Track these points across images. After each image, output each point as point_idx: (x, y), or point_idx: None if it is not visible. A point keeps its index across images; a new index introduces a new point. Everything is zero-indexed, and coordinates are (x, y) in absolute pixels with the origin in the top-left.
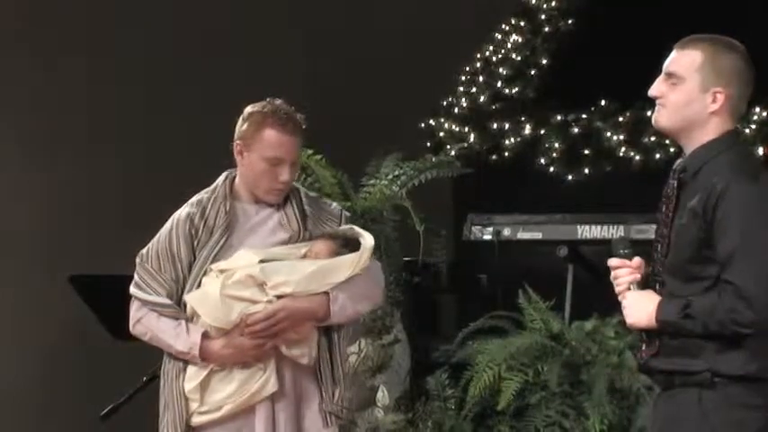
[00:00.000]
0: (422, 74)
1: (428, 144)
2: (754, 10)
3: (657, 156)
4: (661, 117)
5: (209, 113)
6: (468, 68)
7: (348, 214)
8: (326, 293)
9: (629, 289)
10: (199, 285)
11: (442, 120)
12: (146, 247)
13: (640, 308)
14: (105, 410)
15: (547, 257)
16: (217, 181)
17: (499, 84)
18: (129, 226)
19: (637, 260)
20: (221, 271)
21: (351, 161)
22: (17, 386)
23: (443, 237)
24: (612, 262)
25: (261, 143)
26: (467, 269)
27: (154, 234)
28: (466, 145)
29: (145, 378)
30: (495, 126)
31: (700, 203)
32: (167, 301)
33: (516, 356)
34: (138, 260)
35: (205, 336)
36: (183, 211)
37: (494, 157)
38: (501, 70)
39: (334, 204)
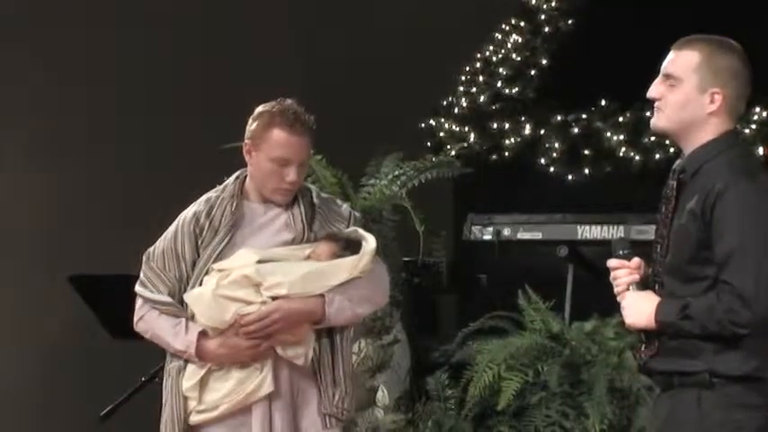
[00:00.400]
0: (422, 74)
1: (428, 144)
2: (754, 10)
3: (657, 156)
4: (659, 120)
5: (209, 113)
6: (468, 68)
7: (358, 215)
8: (322, 296)
9: (629, 289)
10: (201, 284)
11: (443, 120)
12: (153, 246)
13: (639, 308)
14: (105, 410)
15: (547, 257)
16: (228, 180)
17: (499, 84)
18: (129, 226)
19: (636, 261)
20: (220, 270)
21: (351, 161)
22: (17, 386)
23: (443, 237)
24: (611, 263)
25: (268, 143)
26: (467, 269)
27: (154, 234)
28: (466, 145)
29: (144, 378)
30: (495, 126)
31: (698, 204)
32: (168, 299)
33: (516, 356)
34: (144, 258)
35: (202, 335)
36: (190, 209)
37: (494, 157)
38: (501, 70)
39: (345, 206)
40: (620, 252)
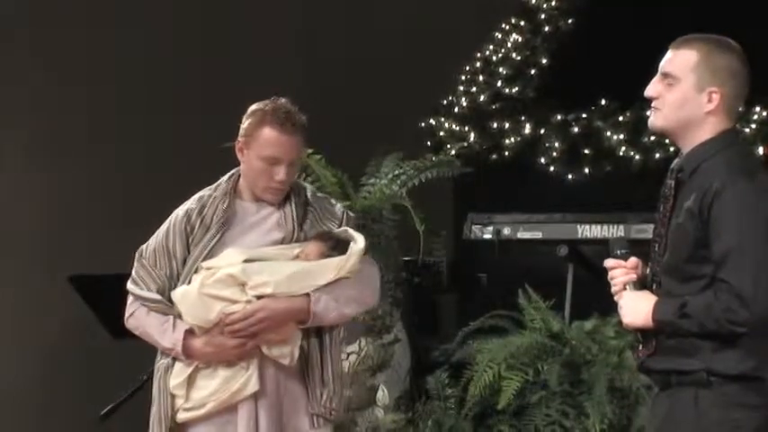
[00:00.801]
0: (422, 74)
1: (428, 143)
2: (754, 10)
3: (657, 155)
4: (657, 119)
5: (210, 113)
6: (468, 68)
7: (351, 215)
8: (308, 295)
9: (626, 289)
10: (190, 282)
11: (443, 119)
12: (146, 243)
13: (637, 308)
14: (105, 410)
15: (547, 257)
16: (222, 178)
17: (499, 83)
18: (129, 226)
19: (633, 260)
20: (208, 269)
21: (351, 161)
22: (17, 386)
23: (443, 236)
24: (608, 263)
25: (258, 141)
26: (467, 269)
27: (153, 234)
28: (466, 144)
29: (144, 377)
30: (495, 125)
31: (696, 203)
32: (157, 297)
33: (516, 356)
34: (137, 255)
35: (189, 333)
36: (183, 207)
37: (494, 156)
38: (501, 70)
39: (339, 205)
40: (618, 252)
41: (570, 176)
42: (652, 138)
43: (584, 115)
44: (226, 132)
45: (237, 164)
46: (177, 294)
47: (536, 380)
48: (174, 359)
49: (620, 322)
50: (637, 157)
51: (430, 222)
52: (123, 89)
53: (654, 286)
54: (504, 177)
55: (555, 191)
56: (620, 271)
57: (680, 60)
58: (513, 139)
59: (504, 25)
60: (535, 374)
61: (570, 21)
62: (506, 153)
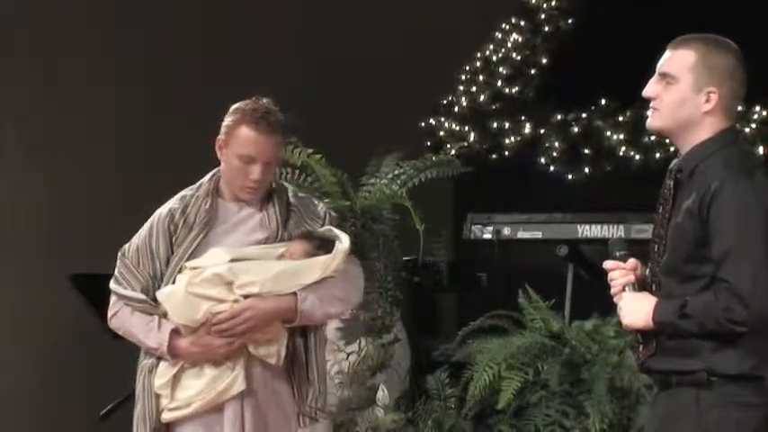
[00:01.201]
0: (422, 74)
1: (428, 143)
2: (754, 10)
3: (657, 155)
4: (655, 119)
5: (210, 113)
6: (468, 68)
7: (334, 215)
8: (295, 294)
9: (625, 290)
10: (173, 282)
11: (443, 119)
12: (128, 242)
13: (637, 309)
14: (105, 410)
15: (547, 257)
16: (204, 178)
17: (499, 83)
18: (129, 226)
19: (632, 262)
20: (193, 269)
21: (351, 161)
22: (17, 386)
23: (443, 236)
24: (607, 264)
25: (235, 140)
26: (467, 268)
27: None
28: (466, 144)
29: None
30: (495, 125)
31: (695, 203)
32: (141, 296)
33: (516, 356)
34: (119, 254)
35: (175, 333)
36: (165, 206)
37: (494, 156)
38: (501, 70)
39: (321, 205)
40: (617, 253)
41: (570, 176)
42: (652, 138)
43: (584, 115)
44: None
45: None
46: (163, 294)
47: (536, 380)
48: (159, 359)
49: (621, 322)
50: (637, 157)
51: (430, 222)
52: (123, 89)
53: (653, 287)
54: (504, 177)
55: (555, 191)
56: (620, 272)
57: (678, 60)
58: (513, 139)
59: (504, 25)
60: (535, 374)
61: (570, 21)
62: (506, 153)
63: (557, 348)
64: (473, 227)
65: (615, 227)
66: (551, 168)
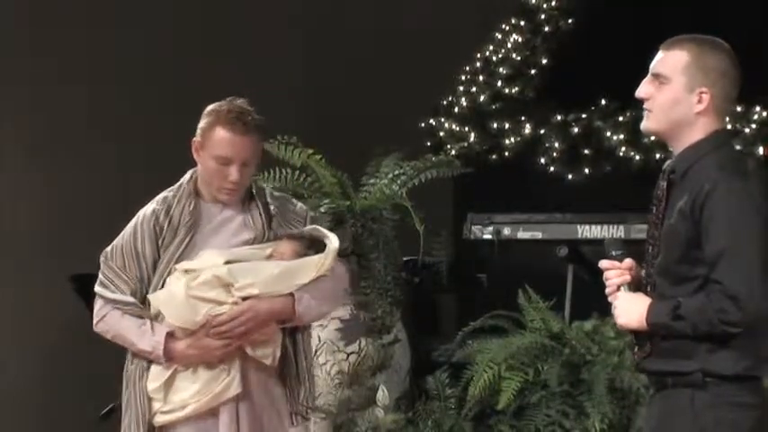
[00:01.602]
0: (422, 74)
1: (428, 144)
2: (754, 10)
3: (657, 156)
4: (649, 122)
5: None
6: (468, 68)
7: (313, 214)
8: (291, 294)
9: (620, 290)
10: (163, 285)
11: (443, 119)
12: (110, 245)
13: (631, 309)
14: (105, 410)
15: (547, 257)
16: (182, 179)
17: (499, 83)
18: None
19: (627, 261)
20: (186, 271)
21: (351, 161)
22: (17, 386)
23: (443, 236)
24: (603, 264)
25: (211, 142)
26: (467, 269)
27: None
28: (466, 144)
29: None
30: (495, 126)
31: (687, 204)
32: (131, 300)
33: (516, 356)
34: (102, 258)
35: (170, 335)
36: (148, 208)
37: (494, 156)
38: (501, 70)
39: (300, 204)
40: (612, 253)
41: (570, 177)
42: (652, 138)
43: (584, 115)
44: None
45: None
46: (159, 297)
47: (536, 380)
48: (149, 363)
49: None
50: (637, 157)
51: (430, 222)
52: (123, 89)
53: (648, 288)
54: (504, 177)
55: (555, 191)
56: (615, 272)
57: (670, 61)
58: (513, 140)
59: (504, 25)
60: (535, 375)
61: (570, 21)
62: (506, 153)
63: (557, 349)
64: (473, 227)
65: (615, 227)
66: (551, 169)
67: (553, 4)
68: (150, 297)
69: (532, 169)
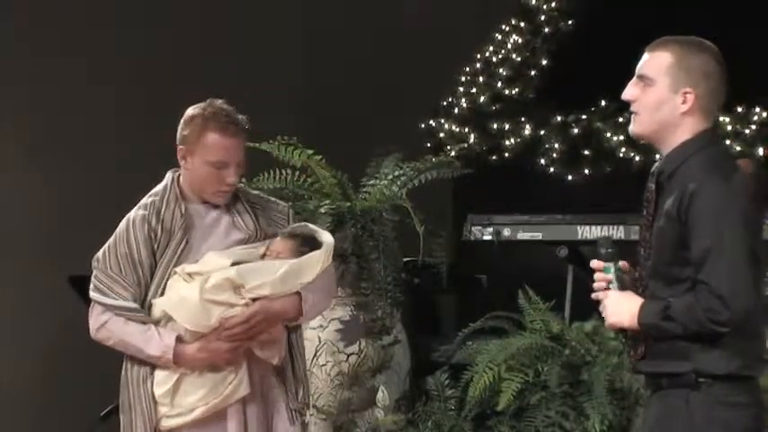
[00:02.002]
0: (422, 74)
1: (428, 144)
2: (754, 10)
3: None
4: (636, 125)
5: None
6: (468, 69)
7: (292, 212)
8: (298, 294)
9: (609, 288)
10: (164, 289)
11: (443, 120)
12: (101, 251)
13: (621, 308)
14: (105, 410)
15: (547, 258)
16: (164, 182)
17: (499, 84)
18: None
19: (623, 263)
20: (189, 274)
21: (351, 161)
22: (17, 386)
23: (443, 237)
24: (594, 263)
25: (204, 148)
26: (467, 270)
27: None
28: (466, 145)
29: None
30: (495, 126)
31: (674, 205)
32: (134, 305)
33: (516, 357)
34: (94, 264)
35: (178, 339)
36: (137, 213)
37: (494, 157)
38: (501, 71)
39: (281, 203)
40: (602, 251)
41: (570, 177)
42: None
43: (584, 116)
44: None
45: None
46: (168, 302)
47: (536, 381)
48: (153, 367)
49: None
50: (636, 158)
51: (430, 223)
52: (123, 89)
53: (642, 290)
54: (504, 178)
55: (555, 192)
56: (600, 274)
57: (654, 62)
58: (513, 141)
59: (504, 26)
60: (535, 375)
61: (570, 22)
62: (506, 154)
63: (557, 350)
64: (473, 228)
65: (615, 228)
66: (551, 169)
67: (553, 5)
68: (156, 301)
69: (532, 170)
